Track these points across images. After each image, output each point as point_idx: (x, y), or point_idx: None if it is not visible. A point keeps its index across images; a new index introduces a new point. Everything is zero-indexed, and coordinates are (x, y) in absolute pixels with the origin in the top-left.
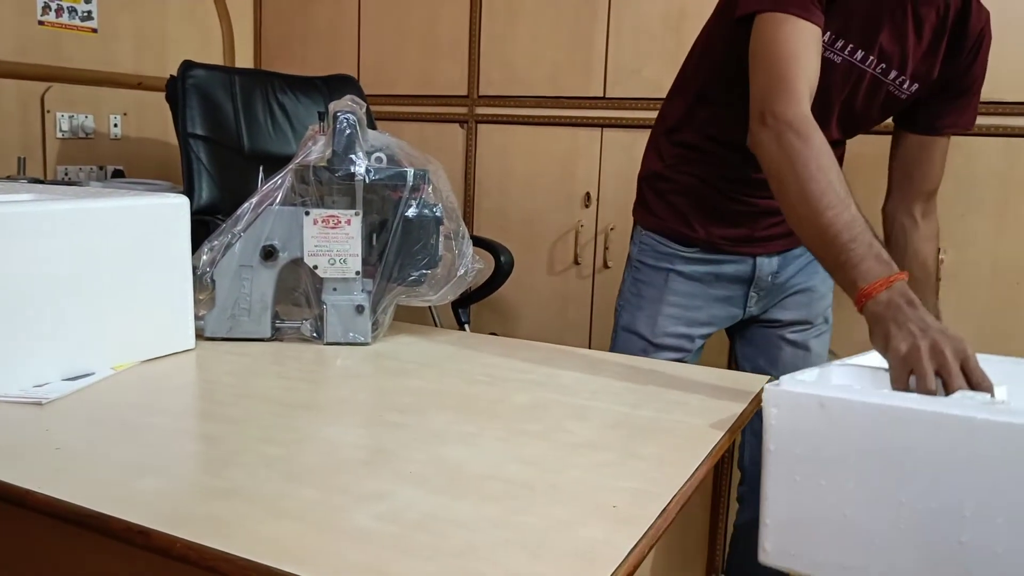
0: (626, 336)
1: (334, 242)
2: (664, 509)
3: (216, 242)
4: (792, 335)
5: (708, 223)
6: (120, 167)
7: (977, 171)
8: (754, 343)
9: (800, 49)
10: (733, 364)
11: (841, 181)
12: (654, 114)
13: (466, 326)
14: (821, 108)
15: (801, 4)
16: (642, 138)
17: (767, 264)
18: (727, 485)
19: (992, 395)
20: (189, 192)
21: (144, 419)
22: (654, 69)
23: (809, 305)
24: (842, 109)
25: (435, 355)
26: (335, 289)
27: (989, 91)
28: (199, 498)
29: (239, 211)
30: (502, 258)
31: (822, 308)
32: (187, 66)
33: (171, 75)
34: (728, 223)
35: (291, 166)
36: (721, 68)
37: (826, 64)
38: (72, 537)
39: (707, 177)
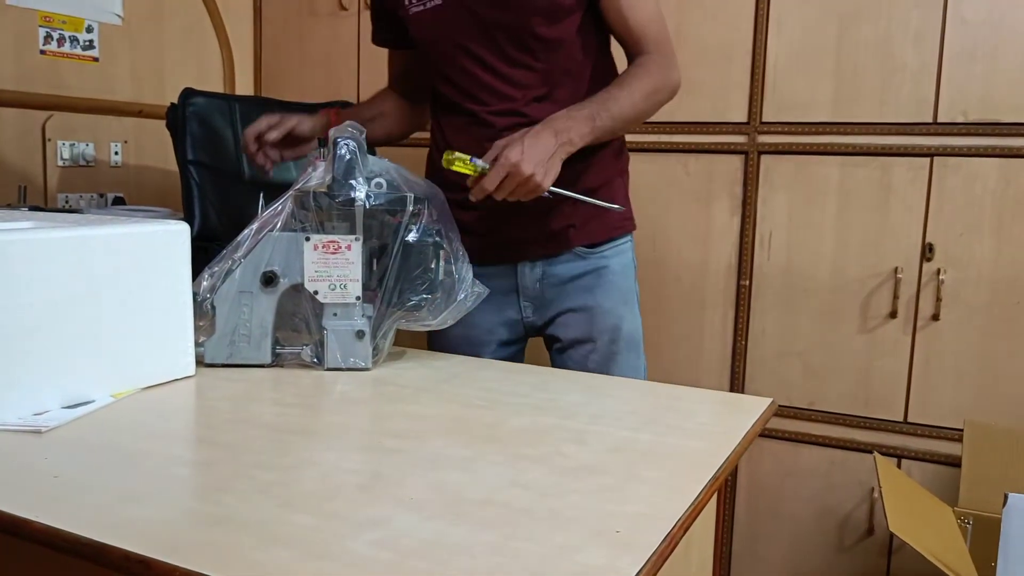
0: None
1: (334, 267)
2: (668, 534)
3: (216, 268)
4: (575, 355)
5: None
6: (121, 194)
7: (974, 191)
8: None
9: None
10: None
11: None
12: (656, 137)
13: None
14: (456, 51)
15: (373, 36)
16: (641, 162)
17: (529, 271)
18: (730, 509)
19: None
20: (189, 219)
21: (143, 447)
22: None
23: (591, 322)
24: (479, 32)
25: (434, 380)
26: (335, 314)
27: (985, 112)
28: (196, 526)
29: (239, 237)
30: None
31: (608, 325)
32: (187, 94)
33: (171, 103)
34: (472, 231)
35: (291, 192)
36: None
37: (422, 17)
38: (71, 566)
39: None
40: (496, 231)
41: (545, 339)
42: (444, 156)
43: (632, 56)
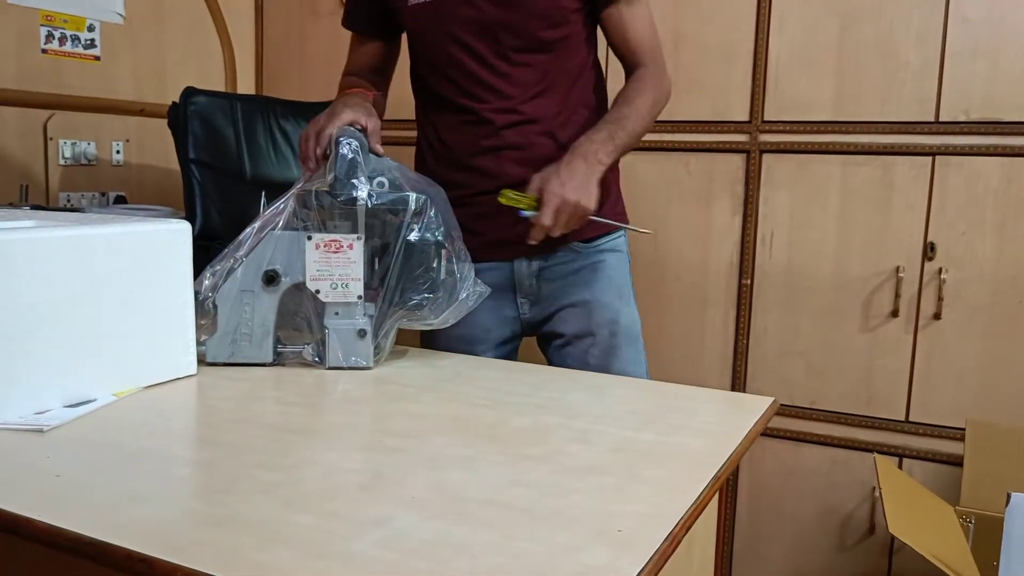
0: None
1: (336, 266)
2: (670, 533)
3: (218, 267)
4: (575, 351)
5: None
6: (122, 193)
7: (977, 190)
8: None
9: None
10: None
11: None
12: (657, 136)
13: None
14: (457, 44)
15: (347, 19)
16: (642, 161)
17: (526, 268)
18: (732, 508)
19: None
20: (191, 218)
21: (145, 446)
22: None
23: (590, 316)
24: (481, 30)
25: (436, 379)
26: (337, 313)
27: (987, 111)
28: (198, 525)
29: (241, 236)
30: None
31: (606, 319)
32: (189, 92)
33: (173, 102)
34: (468, 230)
35: (293, 191)
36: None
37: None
38: (73, 565)
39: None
40: (492, 229)
41: (541, 336)
42: (501, 194)
43: (628, 65)
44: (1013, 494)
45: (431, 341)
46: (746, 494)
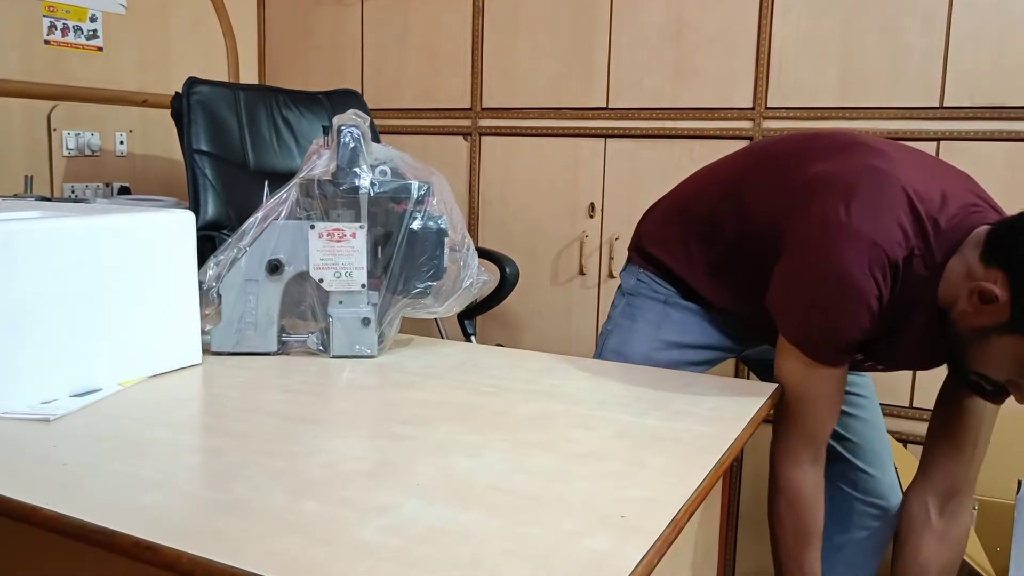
0: (614, 358)
1: (339, 255)
2: (673, 519)
3: (222, 257)
4: None
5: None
6: (126, 184)
7: (980, 176)
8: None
9: (822, 399)
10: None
11: (800, 546)
12: (657, 123)
13: (472, 337)
14: None
15: (833, 359)
16: (646, 147)
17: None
18: (735, 494)
19: None
20: (195, 208)
21: (150, 434)
22: (655, 79)
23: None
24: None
25: (441, 367)
26: (341, 302)
27: (992, 96)
28: (205, 513)
29: (244, 226)
30: (507, 269)
31: None
32: (192, 83)
33: (176, 92)
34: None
35: (296, 180)
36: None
37: None
38: (79, 553)
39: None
40: (730, 312)
41: (757, 362)
42: None
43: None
44: None
45: (618, 342)
46: (750, 481)
